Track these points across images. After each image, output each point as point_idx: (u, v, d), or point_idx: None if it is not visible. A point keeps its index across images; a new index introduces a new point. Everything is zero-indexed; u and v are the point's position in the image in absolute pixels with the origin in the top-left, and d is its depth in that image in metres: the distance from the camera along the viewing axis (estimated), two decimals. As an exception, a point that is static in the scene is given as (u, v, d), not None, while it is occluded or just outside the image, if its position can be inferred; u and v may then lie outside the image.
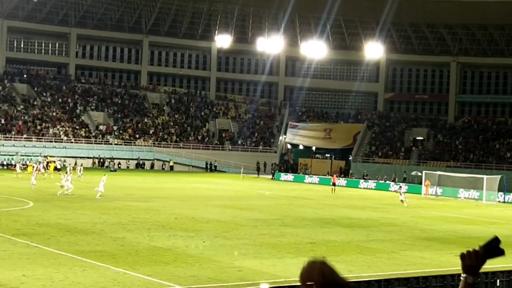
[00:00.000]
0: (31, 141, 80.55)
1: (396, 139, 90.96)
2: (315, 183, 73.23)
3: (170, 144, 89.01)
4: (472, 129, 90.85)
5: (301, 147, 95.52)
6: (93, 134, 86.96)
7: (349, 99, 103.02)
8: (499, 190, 59.79)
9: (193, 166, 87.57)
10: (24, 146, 79.05)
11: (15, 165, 68.29)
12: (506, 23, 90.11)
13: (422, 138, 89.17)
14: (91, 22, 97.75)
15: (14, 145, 78.66)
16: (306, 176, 77.78)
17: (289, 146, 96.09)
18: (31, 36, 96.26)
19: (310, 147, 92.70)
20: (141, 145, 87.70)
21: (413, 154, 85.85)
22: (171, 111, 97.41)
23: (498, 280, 16.77)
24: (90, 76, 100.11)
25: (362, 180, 73.19)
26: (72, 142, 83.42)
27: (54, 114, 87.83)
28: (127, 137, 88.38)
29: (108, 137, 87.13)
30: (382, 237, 30.85)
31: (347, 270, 20.68)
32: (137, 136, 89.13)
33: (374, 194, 62.84)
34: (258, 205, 43.87)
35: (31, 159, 74.97)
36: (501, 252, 3.16)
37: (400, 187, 54.77)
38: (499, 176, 60.96)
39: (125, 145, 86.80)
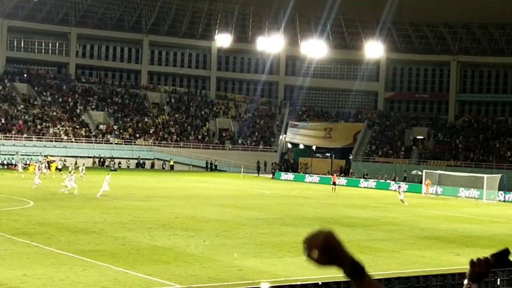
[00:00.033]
0: (32, 140, 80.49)
1: (397, 138, 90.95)
2: (315, 182, 73.21)
3: (171, 144, 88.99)
4: (472, 128, 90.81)
5: (301, 146, 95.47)
6: (94, 133, 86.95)
7: (349, 98, 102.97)
8: (499, 189, 59.83)
9: (193, 166, 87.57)
10: (25, 145, 78.96)
11: (16, 165, 68.28)
12: (506, 22, 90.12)
13: (422, 137, 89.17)
14: (91, 22, 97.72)
15: (14, 145, 78.57)
16: (307, 175, 77.72)
17: (289, 146, 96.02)
18: (31, 36, 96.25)
19: (311, 147, 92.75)
20: (142, 145, 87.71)
21: (413, 153, 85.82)
22: (171, 110, 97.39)
23: (498, 279, 16.76)
24: (90, 76, 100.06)
25: (362, 179, 73.15)
26: (72, 142, 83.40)
27: (54, 113, 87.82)
28: (127, 136, 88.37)
29: (109, 136, 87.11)
30: (382, 236, 30.84)
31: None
32: (138, 135, 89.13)
33: (374, 193, 62.80)
34: (259, 205, 43.83)
35: (31, 158, 74.92)
36: (510, 264, 3.19)
37: (399, 186, 54.79)
38: (499, 175, 61.03)
39: (125, 144, 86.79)
